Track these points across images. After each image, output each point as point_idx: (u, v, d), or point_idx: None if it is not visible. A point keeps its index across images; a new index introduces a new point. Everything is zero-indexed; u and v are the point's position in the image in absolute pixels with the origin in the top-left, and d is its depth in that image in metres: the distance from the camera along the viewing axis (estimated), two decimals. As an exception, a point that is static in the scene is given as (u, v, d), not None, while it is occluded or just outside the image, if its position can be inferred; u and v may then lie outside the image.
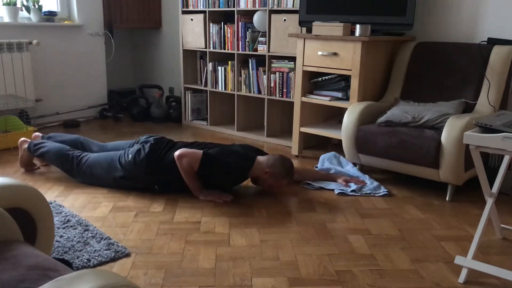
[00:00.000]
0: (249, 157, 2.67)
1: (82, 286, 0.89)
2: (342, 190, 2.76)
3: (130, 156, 2.64)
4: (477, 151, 1.74)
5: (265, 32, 3.78)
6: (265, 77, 3.83)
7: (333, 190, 2.79)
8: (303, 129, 3.46)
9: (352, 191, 2.76)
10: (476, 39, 3.12)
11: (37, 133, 3.13)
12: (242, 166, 2.62)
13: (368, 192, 2.75)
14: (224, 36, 4.08)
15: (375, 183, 2.85)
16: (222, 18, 4.18)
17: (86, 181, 2.81)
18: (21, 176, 2.97)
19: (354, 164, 3.11)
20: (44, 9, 4.20)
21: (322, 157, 3.25)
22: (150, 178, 2.64)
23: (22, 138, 3.06)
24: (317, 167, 3.16)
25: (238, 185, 2.80)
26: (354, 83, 3.09)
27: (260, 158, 2.67)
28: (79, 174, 2.79)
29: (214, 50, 4.18)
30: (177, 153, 2.53)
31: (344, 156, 3.16)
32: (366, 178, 2.92)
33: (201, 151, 2.54)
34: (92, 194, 2.67)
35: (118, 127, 4.38)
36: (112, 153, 2.74)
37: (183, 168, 2.53)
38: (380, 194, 2.74)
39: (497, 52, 2.85)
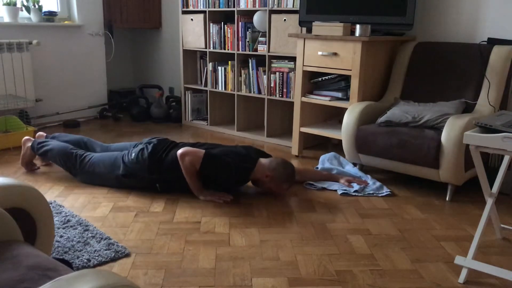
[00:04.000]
0: (251, 158, 2.67)
1: (82, 286, 0.89)
2: (345, 190, 2.76)
3: (133, 155, 2.68)
4: (477, 151, 1.74)
5: (265, 32, 3.78)
6: (265, 77, 3.83)
7: (335, 190, 2.79)
8: (303, 129, 3.46)
9: (355, 191, 2.75)
10: (476, 39, 3.12)
11: (41, 133, 3.14)
12: (243, 167, 2.61)
13: (371, 192, 2.75)
14: (224, 36, 4.08)
15: (378, 183, 2.84)
16: (222, 18, 4.18)
17: (86, 180, 2.82)
18: (21, 176, 2.97)
19: (354, 164, 3.11)
20: (44, 9, 4.20)
21: (322, 157, 3.25)
22: (151, 177, 2.65)
23: (26, 137, 3.07)
24: (317, 167, 3.15)
25: (239, 186, 2.80)
26: (354, 83, 3.09)
27: (262, 160, 2.67)
28: (81, 172, 2.81)
29: (214, 50, 4.18)
30: (180, 151, 2.55)
31: (344, 156, 3.16)
32: (368, 178, 2.92)
33: (204, 150, 2.55)
34: (92, 194, 2.68)
35: (118, 127, 4.38)
36: (117, 153, 2.78)
37: (185, 166, 2.54)
38: (383, 194, 2.74)
39: (497, 52, 2.85)
